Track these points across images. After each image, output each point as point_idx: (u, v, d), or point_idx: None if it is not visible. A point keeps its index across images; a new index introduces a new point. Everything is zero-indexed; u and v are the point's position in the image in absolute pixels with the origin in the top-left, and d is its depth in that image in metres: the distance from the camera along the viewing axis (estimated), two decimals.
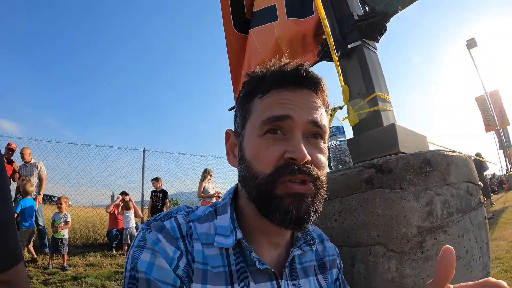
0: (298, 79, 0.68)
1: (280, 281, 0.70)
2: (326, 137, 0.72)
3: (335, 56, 1.27)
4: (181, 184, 10.07)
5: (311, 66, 2.15)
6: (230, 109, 2.87)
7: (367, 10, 1.89)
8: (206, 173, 7.96)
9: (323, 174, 0.67)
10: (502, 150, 29.59)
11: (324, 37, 1.94)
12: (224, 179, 11.50)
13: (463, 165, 1.29)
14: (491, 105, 28.62)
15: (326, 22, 1.27)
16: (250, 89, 0.72)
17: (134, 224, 7.10)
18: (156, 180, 8.28)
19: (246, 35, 2.56)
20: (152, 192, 8.14)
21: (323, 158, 0.68)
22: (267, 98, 0.68)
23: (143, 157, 9.08)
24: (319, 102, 0.70)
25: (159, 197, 8.10)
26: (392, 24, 1.78)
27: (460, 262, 1.17)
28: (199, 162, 10.44)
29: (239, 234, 0.67)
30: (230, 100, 2.84)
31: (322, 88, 0.71)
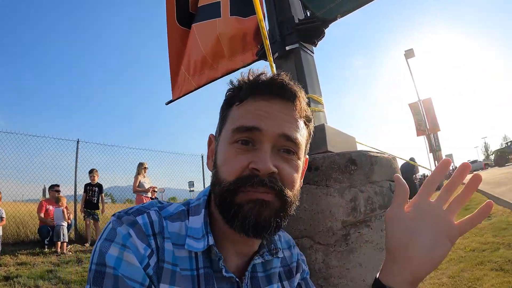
0: (274, 89, 0.66)
1: None
2: (302, 153, 0.69)
3: (270, 57, 1.30)
4: (116, 178, 9.53)
5: (249, 65, 2.18)
6: (167, 103, 2.80)
7: (308, 15, 1.96)
8: (141, 166, 7.73)
9: (292, 189, 0.65)
10: (432, 153, 32.25)
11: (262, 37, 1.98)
12: (160, 173, 11.13)
13: (387, 165, 1.39)
14: (424, 111, 31.08)
15: (263, 23, 1.30)
16: (229, 97, 0.72)
17: (65, 223, 6.65)
18: (93, 172, 7.78)
19: (188, 30, 2.53)
20: (87, 185, 7.61)
21: (294, 174, 0.66)
22: (242, 106, 0.67)
23: (77, 149, 8.49)
24: (295, 114, 0.68)
25: (95, 191, 7.64)
26: (335, 26, 1.86)
27: (382, 254, 1.25)
28: (135, 155, 9.89)
29: (211, 240, 0.66)
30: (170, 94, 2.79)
31: (299, 100, 0.68)
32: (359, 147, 1.79)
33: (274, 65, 1.29)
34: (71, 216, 7.25)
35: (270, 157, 0.62)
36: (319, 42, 1.87)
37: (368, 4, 1.75)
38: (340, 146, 1.50)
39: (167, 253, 0.63)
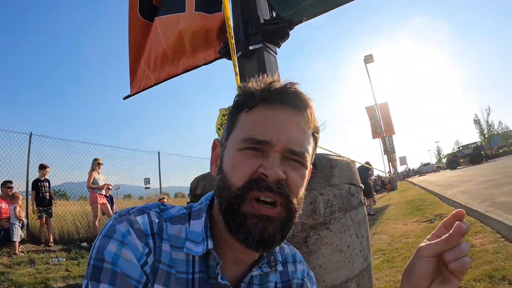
0: (286, 98, 0.66)
1: None
2: (308, 163, 0.69)
3: (234, 57, 1.27)
4: (69, 174, 9.11)
5: (210, 62, 2.14)
6: (125, 98, 2.70)
7: (274, 15, 1.96)
8: (95, 162, 7.47)
9: (297, 197, 0.65)
10: (386, 155, 33.87)
11: (227, 35, 1.95)
12: (116, 169, 10.74)
13: (346, 169, 1.41)
14: (380, 115, 32.55)
15: (230, 22, 1.27)
16: (238, 103, 0.70)
17: (19, 222, 6.24)
18: (44, 168, 7.38)
19: (150, 23, 2.44)
20: (37, 181, 7.20)
21: (300, 182, 0.66)
22: (252, 113, 0.66)
23: (29, 142, 7.99)
24: (304, 124, 0.67)
25: (46, 186, 7.26)
26: (299, 28, 1.87)
27: (342, 255, 1.27)
28: (90, 151, 9.42)
29: (210, 245, 0.65)
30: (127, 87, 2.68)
31: (310, 110, 0.68)
32: (318, 151, 1.82)
33: (237, 64, 1.26)
34: (23, 214, 6.82)
35: (279, 164, 0.62)
36: (282, 44, 1.87)
37: (334, 9, 1.78)
38: None
39: (164, 254, 0.63)
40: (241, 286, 0.70)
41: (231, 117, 0.71)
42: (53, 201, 7.40)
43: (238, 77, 1.28)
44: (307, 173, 0.70)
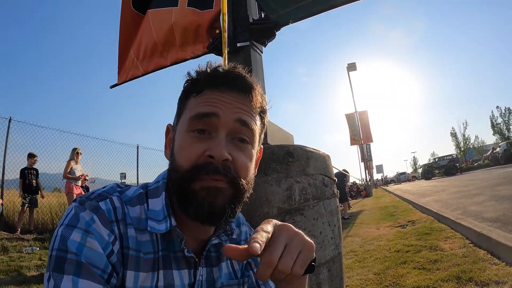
0: (231, 81, 0.69)
1: (198, 268, 0.72)
2: (256, 142, 0.72)
3: (225, 51, 1.35)
4: (44, 164, 8.80)
5: (198, 57, 2.21)
6: (112, 86, 2.73)
7: (262, 16, 2.05)
8: (74, 151, 7.41)
9: (245, 177, 0.67)
10: (363, 162, 34.52)
11: (217, 31, 2.03)
12: (92, 161, 10.55)
13: (321, 161, 1.52)
14: (359, 122, 33.19)
15: (226, 17, 1.35)
16: (187, 89, 0.73)
17: None
18: (32, 156, 7.43)
19: (142, 15, 2.49)
20: (25, 169, 7.23)
21: (247, 162, 0.68)
22: (199, 97, 0.69)
23: (8, 128, 7.77)
24: (250, 106, 0.70)
25: (34, 174, 7.31)
26: (283, 32, 1.98)
27: (314, 240, 1.35)
28: (65, 140, 9.34)
29: (173, 222, 0.66)
30: (113, 76, 2.72)
31: (255, 91, 0.70)
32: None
33: (227, 58, 1.35)
34: None
35: (225, 145, 0.64)
36: (269, 43, 1.97)
37: (320, 14, 1.89)
38: (279, 141, 1.62)
39: (131, 239, 0.64)
40: (203, 254, 0.74)
41: (180, 103, 0.74)
42: (39, 191, 7.38)
43: None
44: (255, 153, 0.73)
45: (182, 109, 0.72)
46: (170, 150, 0.73)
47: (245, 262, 0.85)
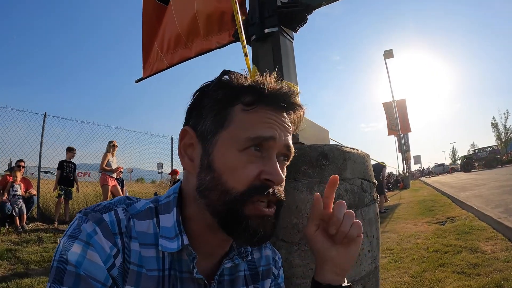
0: (286, 103, 0.68)
1: None
2: None
3: (243, 37, 1.21)
4: (83, 155, 9.34)
5: (224, 46, 2.08)
6: (137, 81, 2.68)
7: None
8: (110, 144, 7.63)
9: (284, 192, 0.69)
10: (401, 153, 33.41)
11: (243, 17, 1.87)
12: (129, 153, 10.94)
13: (360, 162, 1.33)
14: (397, 111, 32.05)
15: (236, 3, 1.20)
16: (230, 95, 0.66)
17: (20, 196, 6.42)
18: (70, 150, 7.72)
19: (165, 6, 2.40)
20: (64, 162, 7.50)
21: (285, 177, 0.69)
22: (253, 113, 0.65)
23: (43, 122, 8.18)
24: (292, 127, 0.71)
25: (72, 168, 7.59)
26: (317, 19, 1.79)
27: None
28: (104, 133, 9.68)
29: (186, 240, 0.65)
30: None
31: (301, 117, 0.73)
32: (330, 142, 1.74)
33: (246, 46, 1.20)
34: (33, 191, 7.01)
35: (280, 169, 0.64)
36: (300, 29, 1.79)
37: None
38: (312, 139, 1.44)
39: (134, 253, 0.62)
40: (215, 278, 0.71)
41: (220, 110, 0.66)
42: (76, 184, 7.69)
43: (248, 58, 1.22)
44: None
45: (225, 120, 0.65)
46: (197, 163, 0.67)
47: None
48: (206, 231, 0.67)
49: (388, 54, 32.30)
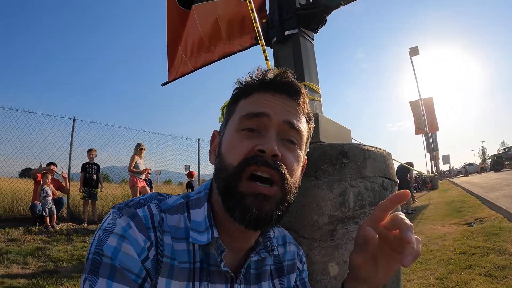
0: (279, 84, 0.71)
1: (234, 284, 0.71)
2: (303, 145, 0.73)
3: (262, 42, 1.25)
4: (111, 158, 9.58)
5: (246, 49, 2.13)
6: (163, 84, 2.77)
7: (311, 0, 1.89)
8: (138, 147, 7.82)
9: (293, 178, 0.67)
10: (429, 153, 32.40)
11: (264, 21, 1.91)
12: (157, 155, 11.15)
13: (381, 161, 1.33)
14: (424, 110, 31.08)
15: (252, 6, 1.25)
16: (237, 94, 0.75)
17: (50, 198, 6.67)
18: (89, 151, 7.98)
19: (188, 11, 2.47)
20: (86, 164, 7.78)
21: (295, 162, 0.69)
22: (249, 98, 0.71)
23: (73, 127, 8.48)
24: (298, 109, 0.72)
25: (94, 169, 7.84)
26: (339, 18, 1.81)
27: None
28: (132, 136, 9.93)
29: (215, 233, 0.67)
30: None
31: (303, 97, 0.73)
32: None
33: (266, 48, 1.24)
34: (57, 192, 7.26)
35: (276, 142, 0.65)
36: (320, 30, 1.81)
37: None
38: (333, 138, 1.46)
39: (167, 247, 0.65)
40: (241, 271, 0.72)
41: (229, 108, 0.75)
42: (99, 185, 7.90)
43: (269, 62, 1.26)
44: (303, 155, 0.73)
45: (231, 113, 0.73)
46: (215, 154, 0.73)
47: (291, 285, 0.83)
48: (231, 224, 0.68)
49: (414, 51, 31.44)
